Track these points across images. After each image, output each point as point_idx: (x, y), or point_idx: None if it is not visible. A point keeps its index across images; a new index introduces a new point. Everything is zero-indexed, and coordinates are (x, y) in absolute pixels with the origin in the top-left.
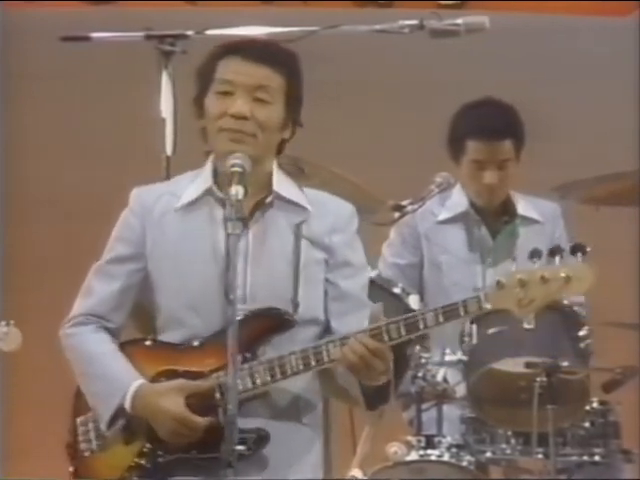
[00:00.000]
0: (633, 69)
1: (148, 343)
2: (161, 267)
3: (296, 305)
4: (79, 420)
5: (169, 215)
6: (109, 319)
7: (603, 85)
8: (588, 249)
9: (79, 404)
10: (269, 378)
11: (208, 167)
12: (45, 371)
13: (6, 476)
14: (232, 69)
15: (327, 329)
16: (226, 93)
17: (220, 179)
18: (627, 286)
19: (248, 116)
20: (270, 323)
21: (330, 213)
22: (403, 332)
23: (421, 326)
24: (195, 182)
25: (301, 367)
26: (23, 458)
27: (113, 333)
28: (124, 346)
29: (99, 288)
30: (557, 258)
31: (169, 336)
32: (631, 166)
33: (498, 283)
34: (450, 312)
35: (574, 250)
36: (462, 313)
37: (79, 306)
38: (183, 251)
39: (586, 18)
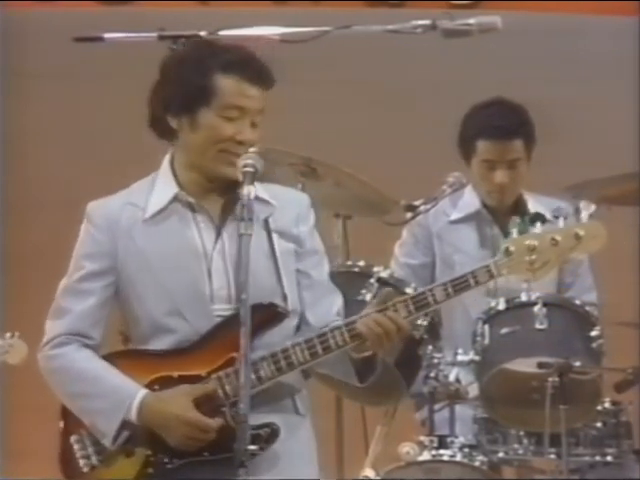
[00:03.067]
0: None
1: (130, 354)
2: (138, 278)
3: (285, 296)
4: (73, 438)
5: (137, 226)
6: (89, 336)
7: (617, 85)
8: (593, 207)
9: (68, 423)
10: (275, 372)
11: (166, 173)
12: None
13: (6, 476)
14: (243, 94)
15: (301, 319)
16: (233, 118)
17: (187, 184)
18: None
19: (254, 143)
20: (263, 317)
21: (292, 205)
22: (412, 309)
23: (430, 301)
24: (157, 190)
25: (308, 357)
26: (23, 458)
27: (94, 350)
28: (107, 360)
29: (74, 306)
30: (561, 219)
31: (157, 344)
32: None
33: (506, 250)
34: (460, 284)
35: (578, 211)
36: (472, 284)
37: (55, 327)
38: (159, 259)
39: (600, 17)
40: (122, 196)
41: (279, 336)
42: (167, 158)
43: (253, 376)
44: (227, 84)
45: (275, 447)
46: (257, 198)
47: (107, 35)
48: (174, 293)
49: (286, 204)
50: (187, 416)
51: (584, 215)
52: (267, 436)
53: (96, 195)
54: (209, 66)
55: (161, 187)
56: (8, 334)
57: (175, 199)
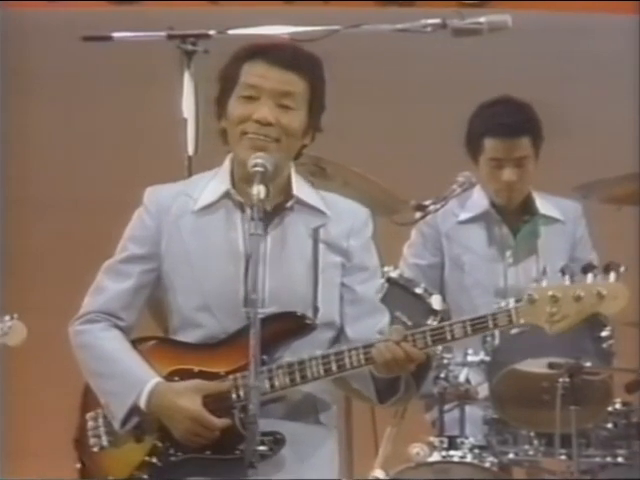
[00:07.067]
0: None
1: (160, 341)
2: (177, 268)
3: (316, 309)
4: (89, 415)
5: (186, 217)
6: (120, 317)
7: (626, 84)
8: (622, 268)
9: (88, 400)
10: (288, 382)
11: (226, 169)
12: (46, 370)
13: (6, 476)
14: (257, 73)
15: (340, 333)
16: (251, 98)
17: (238, 182)
18: None
19: (273, 122)
20: (290, 326)
21: (347, 217)
22: (429, 342)
23: (448, 337)
24: (212, 184)
25: (322, 372)
26: (23, 458)
27: (124, 331)
28: (135, 344)
29: (111, 286)
30: (589, 275)
31: (185, 337)
32: None
33: (530, 298)
34: (479, 325)
35: (607, 268)
36: (491, 326)
37: (89, 303)
38: (199, 253)
39: (606, 16)
40: (180, 185)
41: (309, 347)
42: (230, 155)
43: (267, 383)
44: (248, 68)
45: (285, 452)
46: (310, 206)
47: (116, 34)
48: (207, 289)
49: (341, 215)
50: (192, 411)
51: (612, 275)
52: (270, 444)
53: (96, 195)
54: (239, 58)
55: (217, 182)
56: (7, 317)
57: (226, 195)
